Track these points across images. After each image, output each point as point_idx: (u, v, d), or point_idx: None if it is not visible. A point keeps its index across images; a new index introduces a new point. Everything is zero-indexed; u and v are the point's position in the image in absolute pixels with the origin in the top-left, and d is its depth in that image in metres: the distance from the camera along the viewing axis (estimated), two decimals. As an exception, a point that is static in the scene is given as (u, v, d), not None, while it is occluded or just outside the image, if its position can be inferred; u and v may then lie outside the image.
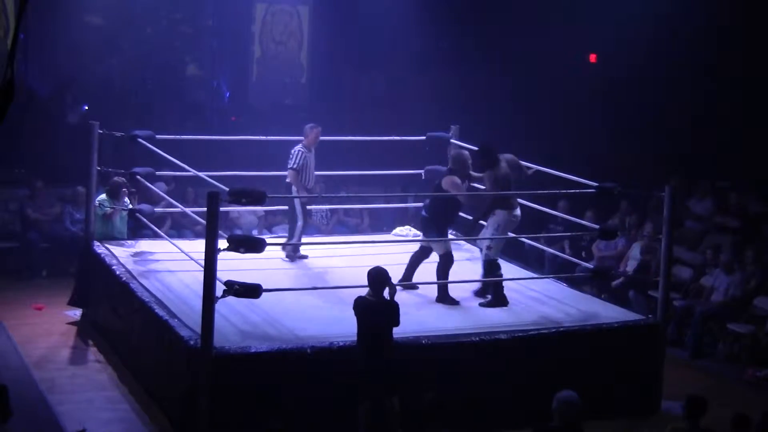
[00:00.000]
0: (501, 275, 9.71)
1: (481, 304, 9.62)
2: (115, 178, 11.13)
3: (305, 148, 10.81)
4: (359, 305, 7.83)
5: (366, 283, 7.83)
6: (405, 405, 7.71)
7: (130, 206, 11.20)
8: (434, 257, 9.90)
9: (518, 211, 9.81)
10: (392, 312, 7.85)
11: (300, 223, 10.80)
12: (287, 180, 10.78)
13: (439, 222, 9.80)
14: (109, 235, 11.09)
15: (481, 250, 9.97)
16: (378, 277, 7.83)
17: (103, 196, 11.10)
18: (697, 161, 14.35)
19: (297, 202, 10.74)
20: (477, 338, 8.67)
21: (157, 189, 11.55)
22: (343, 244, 11.27)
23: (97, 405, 8.87)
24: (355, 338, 8.08)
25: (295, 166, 10.72)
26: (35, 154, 13.90)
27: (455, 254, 11.08)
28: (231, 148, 12.98)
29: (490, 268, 9.71)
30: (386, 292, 7.83)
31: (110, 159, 12.32)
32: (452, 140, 11.83)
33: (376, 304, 7.81)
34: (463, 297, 9.77)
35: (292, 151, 10.80)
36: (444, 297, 9.66)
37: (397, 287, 8.04)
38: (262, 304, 8.64)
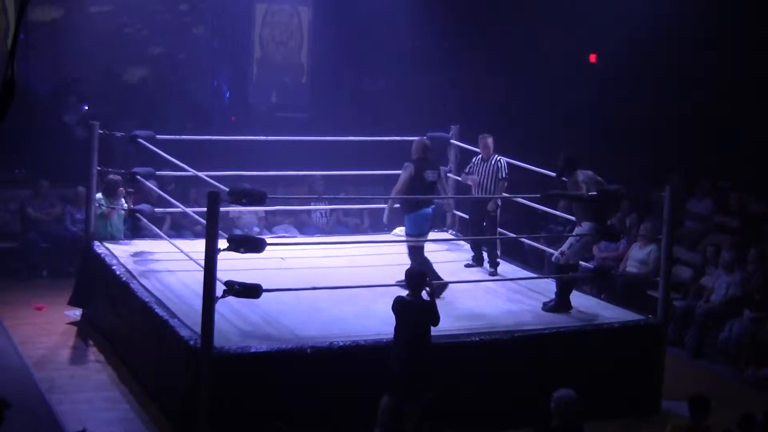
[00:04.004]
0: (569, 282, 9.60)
1: (545, 308, 9.54)
2: (111, 176, 11.11)
3: (480, 157, 10.78)
4: (397, 305, 7.90)
5: (367, 284, 7.84)
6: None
7: (126, 206, 11.18)
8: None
9: None
10: (429, 312, 7.90)
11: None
12: None
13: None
14: (108, 234, 11.07)
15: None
16: (415, 277, 7.92)
17: (100, 194, 11.09)
18: (697, 161, 14.34)
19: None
20: (477, 338, 8.67)
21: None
22: (343, 244, 11.27)
23: (97, 405, 8.86)
24: (355, 338, 8.29)
25: (464, 170, 10.95)
26: (36, 155, 13.88)
27: (455, 254, 11.12)
28: (231, 148, 12.98)
29: (558, 272, 9.60)
30: (425, 293, 7.89)
31: (111, 159, 12.32)
32: (452, 140, 11.83)
33: (413, 304, 7.88)
34: (468, 298, 9.75)
35: None
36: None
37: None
38: (262, 304, 8.63)
